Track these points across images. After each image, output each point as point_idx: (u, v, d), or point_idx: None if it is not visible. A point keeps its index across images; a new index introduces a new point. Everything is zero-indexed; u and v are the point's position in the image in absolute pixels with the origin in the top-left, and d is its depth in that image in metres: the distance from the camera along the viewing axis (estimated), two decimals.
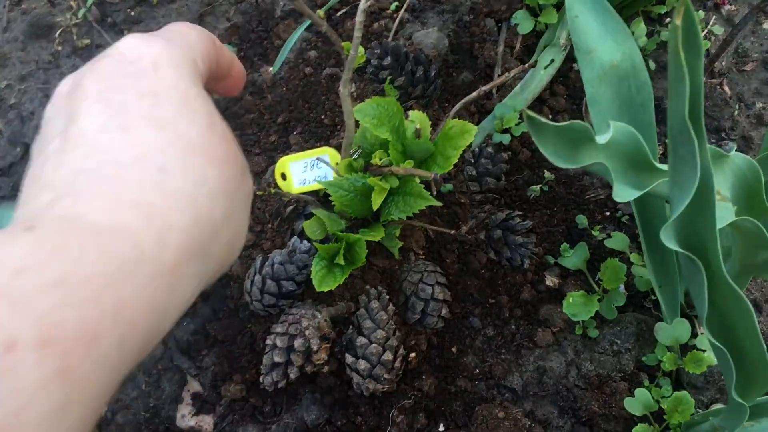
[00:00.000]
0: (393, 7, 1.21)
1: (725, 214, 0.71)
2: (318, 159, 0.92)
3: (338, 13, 1.21)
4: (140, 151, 0.35)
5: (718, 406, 0.95)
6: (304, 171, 0.95)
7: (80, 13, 1.21)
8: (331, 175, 0.91)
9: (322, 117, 1.10)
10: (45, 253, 0.29)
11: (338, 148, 1.02)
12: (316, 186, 0.94)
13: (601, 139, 0.60)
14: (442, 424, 0.95)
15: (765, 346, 0.63)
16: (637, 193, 0.63)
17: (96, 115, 0.36)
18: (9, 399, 0.26)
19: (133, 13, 1.23)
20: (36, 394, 0.26)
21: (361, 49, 0.81)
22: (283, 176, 0.96)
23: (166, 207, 0.34)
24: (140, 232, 0.33)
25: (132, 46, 0.39)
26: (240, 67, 0.51)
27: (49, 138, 0.38)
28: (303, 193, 0.96)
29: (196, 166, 0.37)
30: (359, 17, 0.76)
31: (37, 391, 0.26)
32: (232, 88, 0.51)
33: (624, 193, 0.63)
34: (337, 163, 0.88)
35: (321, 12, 0.77)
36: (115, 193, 0.34)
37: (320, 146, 1.05)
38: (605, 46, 0.81)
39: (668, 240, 0.54)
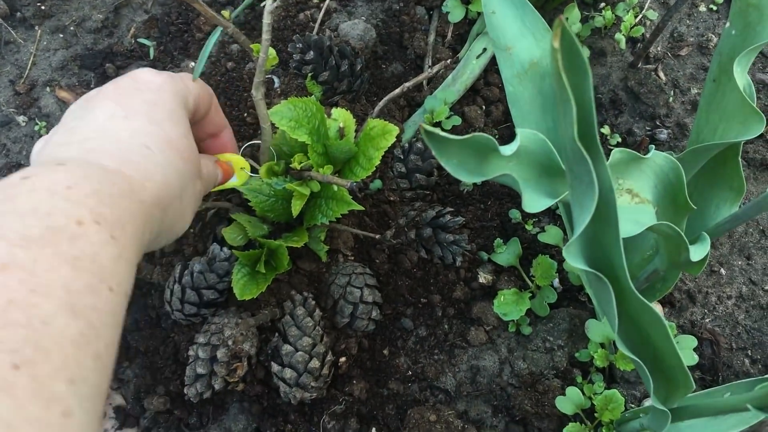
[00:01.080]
0: None
1: (645, 217, 0.70)
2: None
3: (262, 4, 1.16)
4: (134, 132, 0.53)
5: (650, 401, 0.95)
6: None
7: None
8: (235, 178, 0.85)
9: (245, 115, 1.05)
10: (80, 178, 0.45)
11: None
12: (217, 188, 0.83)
13: (507, 150, 0.57)
14: (374, 429, 0.93)
15: (679, 352, 0.62)
16: (548, 202, 0.61)
17: (108, 109, 0.55)
18: (87, 248, 0.41)
19: (43, 7, 1.16)
20: (102, 247, 0.42)
21: (273, 51, 0.77)
22: None
23: (147, 168, 0.52)
24: (131, 176, 0.50)
25: (146, 73, 0.60)
26: (230, 138, 0.80)
27: (69, 119, 0.56)
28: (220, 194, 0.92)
29: (169, 154, 0.55)
30: (266, 18, 0.72)
31: (102, 245, 0.42)
32: (221, 149, 0.79)
33: (534, 204, 0.60)
34: (242, 168, 0.83)
35: (226, 13, 0.72)
36: (115, 151, 0.51)
37: (243, 143, 1.02)
38: (524, 43, 0.78)
39: (573, 258, 0.52)
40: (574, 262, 0.53)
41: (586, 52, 1.19)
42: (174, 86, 0.60)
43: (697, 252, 0.72)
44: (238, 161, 0.82)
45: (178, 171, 0.56)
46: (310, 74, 0.98)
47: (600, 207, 0.47)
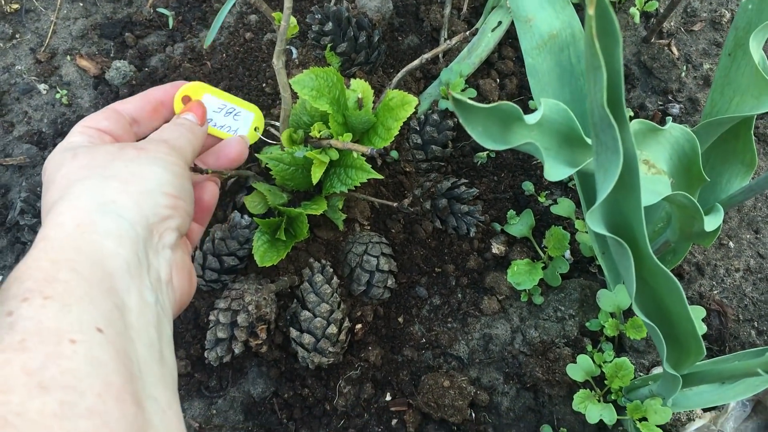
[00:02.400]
0: None
1: (661, 188, 0.71)
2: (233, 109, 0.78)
3: None
4: (49, 204, 0.51)
5: (659, 369, 0.97)
6: (217, 111, 0.78)
7: None
8: (245, 131, 0.78)
9: (264, 85, 1.06)
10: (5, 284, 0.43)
11: (278, 117, 0.99)
12: (220, 134, 0.77)
13: (531, 119, 0.59)
14: (388, 394, 0.95)
15: (694, 319, 0.64)
16: (569, 171, 0.63)
17: None
18: (28, 325, 0.38)
19: None
20: (40, 314, 0.39)
21: (294, 20, 0.78)
22: (188, 101, 0.74)
23: (58, 192, 0.51)
24: (44, 226, 0.47)
25: None
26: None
27: None
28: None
29: (66, 160, 0.54)
30: None
31: (39, 312, 0.39)
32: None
33: (556, 172, 0.62)
34: (255, 128, 0.78)
35: None
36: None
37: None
38: (544, 14, 0.79)
39: (595, 224, 0.54)
40: (596, 227, 0.54)
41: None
42: (53, 152, 0.59)
43: (711, 222, 0.74)
44: (258, 117, 0.78)
45: (72, 167, 0.54)
46: (329, 45, 0.99)
47: (623, 174, 0.49)
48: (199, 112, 0.70)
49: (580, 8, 1.19)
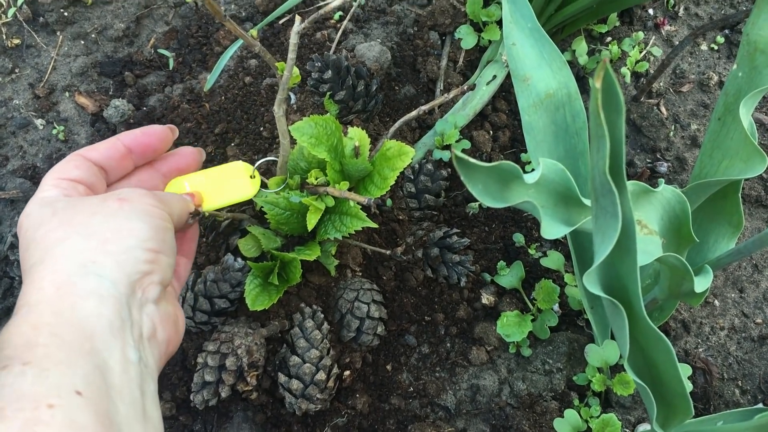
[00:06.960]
0: (336, 16, 1.20)
1: (653, 248, 0.73)
2: None
3: (281, 21, 1.19)
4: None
5: (644, 426, 0.98)
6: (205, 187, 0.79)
7: (10, 12, 1.16)
8: (247, 188, 0.79)
9: (261, 129, 1.08)
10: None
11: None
12: (228, 202, 0.78)
13: (530, 179, 0.60)
14: None
15: (683, 379, 0.64)
16: (565, 230, 0.64)
17: None
18: (6, 393, 0.39)
19: (66, 14, 1.18)
20: (19, 381, 0.40)
21: (296, 70, 0.79)
22: None
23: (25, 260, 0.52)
24: (20, 299, 0.48)
25: None
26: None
27: None
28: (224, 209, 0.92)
29: (46, 242, 0.52)
30: (293, 39, 0.74)
31: (17, 380, 0.40)
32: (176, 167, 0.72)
33: (552, 230, 0.63)
34: (252, 176, 0.79)
35: (254, 31, 0.75)
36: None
37: (259, 158, 1.03)
38: (541, 74, 0.81)
39: (591, 285, 0.55)
40: (593, 288, 0.55)
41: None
42: (26, 206, 0.58)
43: (701, 284, 0.75)
44: (246, 168, 0.79)
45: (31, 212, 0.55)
46: (328, 93, 1.01)
47: (621, 237, 0.50)
48: (196, 201, 0.72)
49: (573, 65, 1.22)
